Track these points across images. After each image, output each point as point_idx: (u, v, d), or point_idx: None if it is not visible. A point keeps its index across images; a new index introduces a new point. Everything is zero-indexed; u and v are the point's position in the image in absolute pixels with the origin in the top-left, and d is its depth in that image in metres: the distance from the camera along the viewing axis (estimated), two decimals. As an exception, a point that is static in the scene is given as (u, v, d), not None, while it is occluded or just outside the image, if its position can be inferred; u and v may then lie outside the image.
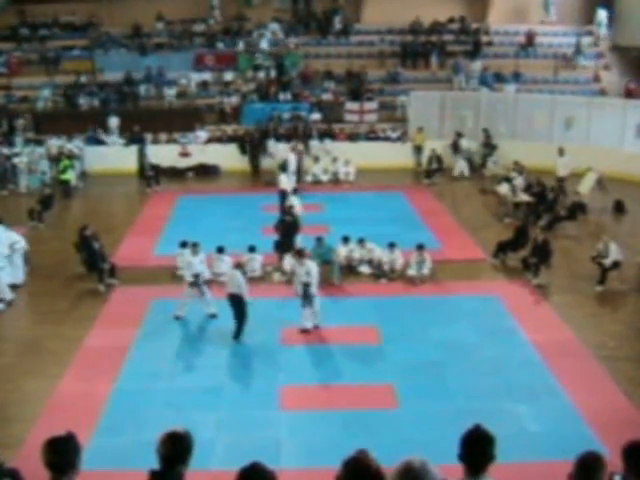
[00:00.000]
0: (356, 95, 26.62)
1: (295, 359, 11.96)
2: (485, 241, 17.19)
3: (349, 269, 15.60)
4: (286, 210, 17.08)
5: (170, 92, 26.92)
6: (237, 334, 12.47)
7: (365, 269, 15.64)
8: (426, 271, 15.11)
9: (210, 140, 25.28)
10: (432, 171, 23.69)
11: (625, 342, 12.54)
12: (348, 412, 10.31)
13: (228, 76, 27.77)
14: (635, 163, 22.32)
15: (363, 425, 9.88)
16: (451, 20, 29.89)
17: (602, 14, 28.79)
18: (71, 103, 26.36)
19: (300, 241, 16.24)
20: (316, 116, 26.01)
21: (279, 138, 24.75)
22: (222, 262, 14.74)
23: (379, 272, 15.40)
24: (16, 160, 22.92)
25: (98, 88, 26.84)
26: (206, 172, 24.65)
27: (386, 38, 29.13)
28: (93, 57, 27.70)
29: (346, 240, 15.82)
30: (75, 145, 24.00)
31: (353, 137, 25.61)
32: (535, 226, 17.80)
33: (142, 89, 27.13)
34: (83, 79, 26.87)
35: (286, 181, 18.85)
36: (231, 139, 25.34)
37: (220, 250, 14.78)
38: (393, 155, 24.94)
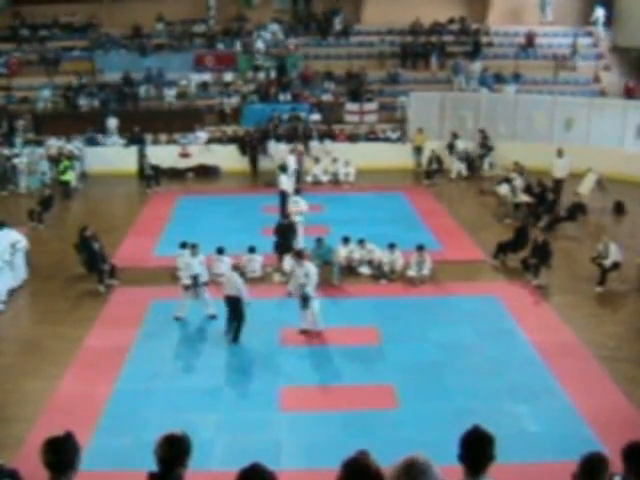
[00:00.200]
0: (356, 96, 26.63)
1: (295, 360, 11.96)
2: (485, 242, 17.19)
3: (349, 270, 15.60)
4: (284, 213, 17.15)
5: (170, 93, 26.93)
6: (235, 336, 12.45)
7: (365, 270, 15.64)
8: (426, 272, 15.11)
9: (210, 141, 25.28)
10: (432, 172, 23.69)
11: (625, 343, 12.54)
12: (348, 413, 10.31)
13: (228, 77, 27.78)
14: (635, 164, 22.33)
15: (363, 426, 9.87)
16: (451, 21, 29.90)
17: (599, 12, 28.83)
18: (71, 104, 26.37)
19: (301, 242, 16.27)
20: (315, 117, 26.02)
21: (279, 139, 24.76)
22: (222, 263, 14.72)
23: (379, 273, 15.40)
24: (16, 161, 22.92)
25: (98, 89, 26.85)
26: (206, 173, 24.66)
27: (386, 39, 29.14)
28: (93, 58, 27.72)
29: (346, 241, 15.82)
30: (75, 146, 24.01)
31: (353, 138, 25.61)
32: (535, 227, 17.81)
33: (142, 90, 27.13)
34: (82, 81, 26.83)
35: (286, 182, 18.84)
36: (231, 140, 25.35)
37: (220, 251, 14.76)
38: (393, 156, 24.94)
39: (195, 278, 13.25)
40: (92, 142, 24.95)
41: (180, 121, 25.53)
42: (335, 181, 23.54)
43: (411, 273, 15.12)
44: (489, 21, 29.95)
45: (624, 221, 19.71)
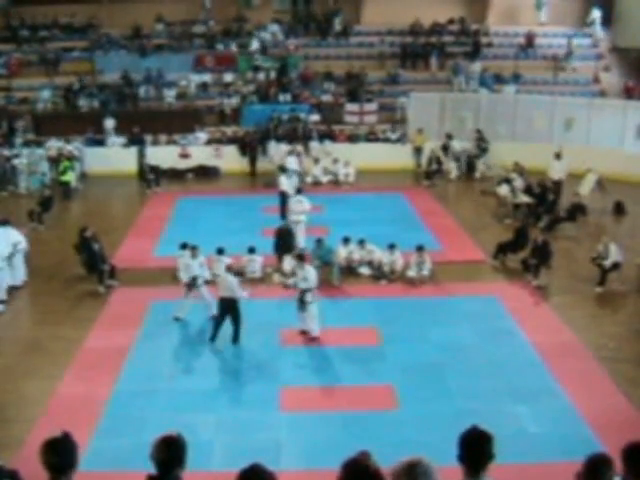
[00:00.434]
0: (356, 96, 26.62)
1: (295, 360, 11.95)
2: (485, 242, 17.19)
3: (349, 270, 15.60)
4: (284, 214, 17.18)
5: (170, 93, 26.93)
6: (235, 338, 12.42)
7: (365, 270, 15.64)
8: (426, 272, 15.11)
9: (210, 141, 25.29)
10: (432, 172, 23.69)
11: (625, 343, 12.54)
12: (348, 413, 10.31)
13: (228, 77, 27.79)
14: (635, 164, 22.33)
15: (363, 426, 9.87)
16: (451, 21, 29.91)
17: (596, 13, 28.86)
18: (71, 104, 26.37)
19: (302, 242, 16.27)
20: (315, 117, 26.02)
21: (279, 139, 24.76)
22: (222, 263, 14.67)
23: (379, 273, 15.40)
24: (16, 161, 22.94)
25: (98, 89, 26.84)
26: (206, 173, 24.67)
27: (386, 39, 29.15)
28: (93, 58, 27.73)
29: (346, 241, 15.81)
30: (75, 146, 24.02)
31: (353, 138, 25.61)
32: (535, 227, 17.81)
33: (142, 90, 27.13)
34: (82, 83, 26.82)
35: (286, 182, 18.84)
36: (231, 140, 25.35)
37: (220, 251, 14.75)
38: (393, 156, 24.94)
39: (194, 279, 13.25)
40: (93, 142, 24.97)
41: (180, 122, 25.53)
42: (335, 182, 23.54)
43: (411, 274, 15.12)
44: (489, 21, 29.96)
45: (624, 221, 19.71)
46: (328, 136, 25.41)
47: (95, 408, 10.35)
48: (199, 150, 24.83)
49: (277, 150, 24.20)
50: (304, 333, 12.70)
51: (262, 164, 24.53)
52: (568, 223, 18.70)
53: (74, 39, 28.65)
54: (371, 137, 25.75)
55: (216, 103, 26.89)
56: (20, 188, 22.77)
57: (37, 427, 9.66)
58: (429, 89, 26.61)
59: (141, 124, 24.68)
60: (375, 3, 29.55)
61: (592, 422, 9.90)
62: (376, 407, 10.50)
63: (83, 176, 24.15)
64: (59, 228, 19.24)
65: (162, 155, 24.21)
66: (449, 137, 24.54)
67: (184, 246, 14.65)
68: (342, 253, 15.59)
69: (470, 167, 24.37)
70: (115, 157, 24.52)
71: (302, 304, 12.50)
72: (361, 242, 15.86)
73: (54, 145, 23.75)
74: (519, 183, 19.99)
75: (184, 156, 24.74)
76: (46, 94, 26.50)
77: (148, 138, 24.86)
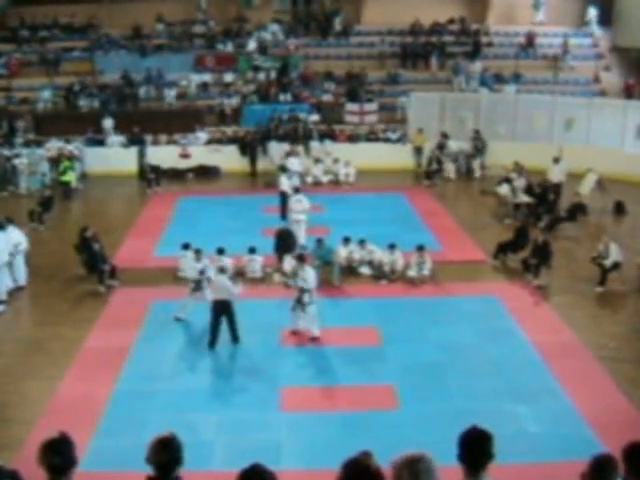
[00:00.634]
0: (356, 96, 26.62)
1: (295, 360, 11.96)
2: (485, 242, 17.19)
3: (349, 270, 15.60)
4: (285, 214, 17.18)
5: (170, 93, 26.94)
6: (235, 338, 12.40)
7: (365, 270, 15.64)
8: (426, 272, 15.11)
9: (210, 141, 25.29)
10: (432, 172, 23.69)
11: (625, 343, 12.54)
12: (348, 413, 10.31)
13: (228, 77, 27.80)
14: (635, 164, 22.32)
15: (363, 426, 9.86)
16: (451, 21, 29.92)
17: (592, 12, 28.88)
18: (71, 104, 26.37)
19: (302, 241, 16.26)
20: (315, 117, 26.02)
21: (279, 139, 24.76)
22: (222, 263, 14.71)
23: (379, 273, 15.40)
24: (16, 161, 22.93)
25: (98, 90, 26.85)
26: (206, 173, 24.66)
27: (386, 39, 29.15)
28: (93, 58, 27.74)
29: (347, 241, 15.81)
30: (75, 146, 24.02)
31: (353, 138, 25.61)
32: (535, 227, 17.81)
33: (142, 90, 27.14)
34: (82, 83, 26.82)
35: (287, 182, 18.83)
36: (231, 140, 25.35)
37: (220, 251, 14.76)
38: (393, 156, 24.94)
39: (198, 283, 13.28)
40: (93, 142, 24.97)
41: (180, 122, 25.53)
42: (335, 182, 23.54)
43: (411, 273, 15.12)
44: (489, 21, 29.97)
45: (624, 221, 19.71)
46: (328, 136, 25.40)
47: (95, 408, 10.35)
48: (199, 150, 24.84)
49: (277, 150, 24.20)
50: (296, 333, 12.69)
51: (262, 164, 24.55)
52: (568, 223, 18.70)
53: (74, 39, 28.67)
54: (371, 137, 25.75)
55: (216, 103, 26.90)
56: (20, 188, 22.77)
57: (37, 427, 9.65)
58: (429, 89, 26.61)
59: (141, 124, 24.68)
60: (375, 3, 29.55)
61: (592, 422, 9.90)
62: (376, 407, 10.49)
63: (83, 176, 24.15)
64: (59, 228, 19.24)
65: (162, 155, 24.21)
66: (445, 136, 24.53)
67: (186, 246, 14.68)
68: (342, 253, 15.59)
69: (469, 167, 24.36)
70: (115, 157, 24.52)
71: (300, 305, 12.49)
72: (361, 242, 15.86)
73: (54, 145, 23.74)
74: (520, 183, 19.98)
75: (184, 156, 24.74)
76: (46, 94, 26.51)
77: (148, 138, 24.86)
